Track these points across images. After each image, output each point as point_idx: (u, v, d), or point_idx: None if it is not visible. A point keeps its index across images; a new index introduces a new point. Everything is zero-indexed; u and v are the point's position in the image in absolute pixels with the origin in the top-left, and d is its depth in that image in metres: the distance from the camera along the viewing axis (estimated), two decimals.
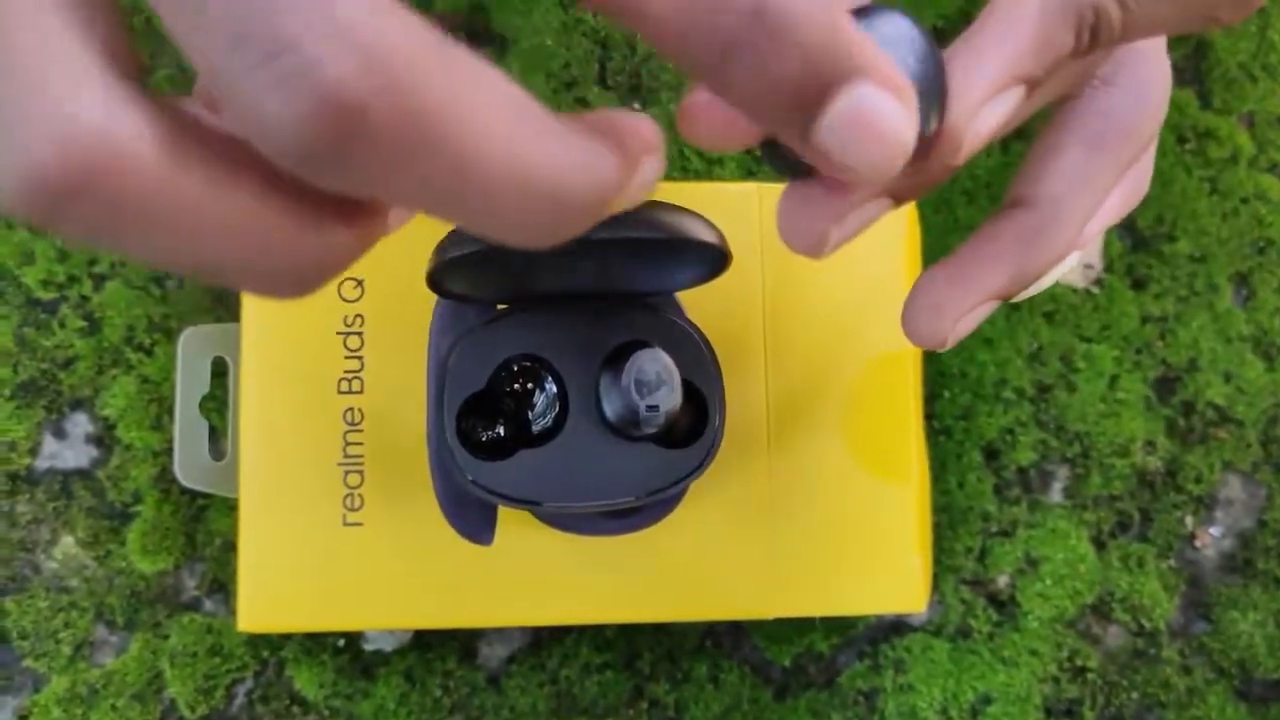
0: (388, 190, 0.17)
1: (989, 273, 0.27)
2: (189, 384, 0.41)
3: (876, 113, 0.19)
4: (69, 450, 0.43)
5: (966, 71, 0.22)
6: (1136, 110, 0.28)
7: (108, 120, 0.16)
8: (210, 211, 0.17)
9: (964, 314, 0.27)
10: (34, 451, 0.43)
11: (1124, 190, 0.31)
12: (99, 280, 0.44)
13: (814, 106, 0.18)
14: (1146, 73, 0.28)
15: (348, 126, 0.15)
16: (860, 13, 0.21)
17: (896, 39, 0.20)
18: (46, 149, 0.16)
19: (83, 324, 0.44)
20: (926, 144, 0.22)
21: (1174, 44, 0.49)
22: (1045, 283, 0.30)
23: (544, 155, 0.17)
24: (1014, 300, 0.29)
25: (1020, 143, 0.47)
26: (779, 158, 0.23)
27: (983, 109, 0.22)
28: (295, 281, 0.18)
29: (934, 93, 0.21)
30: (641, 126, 0.19)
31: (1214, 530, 0.47)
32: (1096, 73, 0.28)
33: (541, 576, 0.39)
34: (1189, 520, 0.47)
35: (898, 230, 0.41)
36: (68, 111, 0.16)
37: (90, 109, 0.16)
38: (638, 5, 0.17)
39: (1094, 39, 0.23)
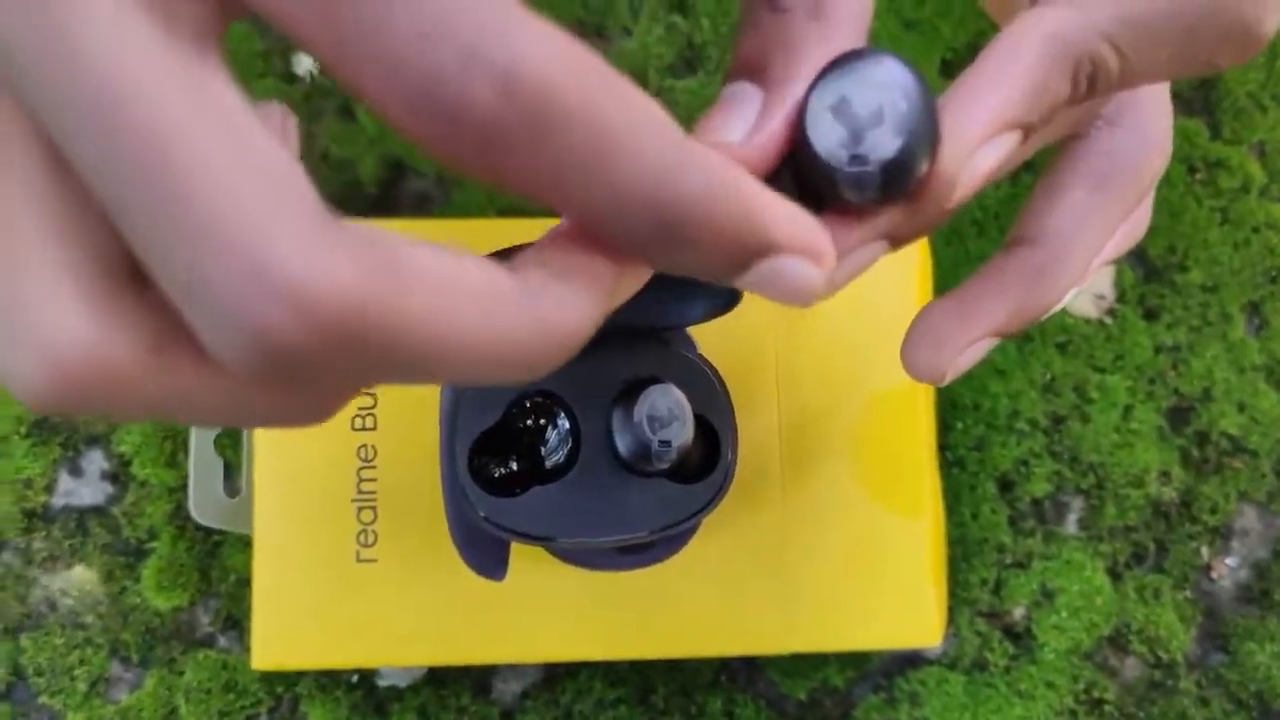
0: (359, 386, 0.18)
1: (990, 309, 0.27)
2: None
3: (791, 275, 0.20)
4: (85, 487, 0.44)
5: (961, 115, 0.22)
6: (1140, 150, 0.28)
7: (90, 337, 0.17)
8: (199, 393, 0.18)
9: (963, 349, 0.27)
10: (50, 488, 0.43)
11: (1124, 227, 0.31)
12: None
13: (734, 274, 0.20)
14: (1150, 114, 0.28)
15: (290, 362, 0.16)
16: (851, 56, 0.21)
17: (887, 83, 0.20)
18: (38, 371, 0.16)
19: None
20: (919, 187, 0.22)
21: None
22: (1043, 315, 0.30)
23: (507, 332, 0.18)
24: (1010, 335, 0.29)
25: (1031, 175, 0.48)
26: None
27: (976, 153, 0.22)
28: (300, 422, 0.19)
29: (926, 136, 0.21)
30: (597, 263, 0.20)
31: (1230, 561, 0.47)
32: (1101, 113, 0.28)
33: (555, 612, 0.39)
34: (1205, 551, 0.47)
35: (910, 263, 0.41)
36: (47, 335, 0.16)
37: (71, 327, 0.16)
38: (558, 200, 0.18)
39: (1091, 87, 0.23)
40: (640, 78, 0.47)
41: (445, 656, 0.39)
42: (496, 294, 0.18)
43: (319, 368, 0.16)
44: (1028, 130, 0.23)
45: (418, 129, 0.16)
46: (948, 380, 0.28)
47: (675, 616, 0.39)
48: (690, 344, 0.38)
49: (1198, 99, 0.49)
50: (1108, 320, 0.47)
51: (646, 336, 0.36)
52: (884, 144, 0.20)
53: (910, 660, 0.45)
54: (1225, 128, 0.49)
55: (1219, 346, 0.48)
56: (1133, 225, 0.31)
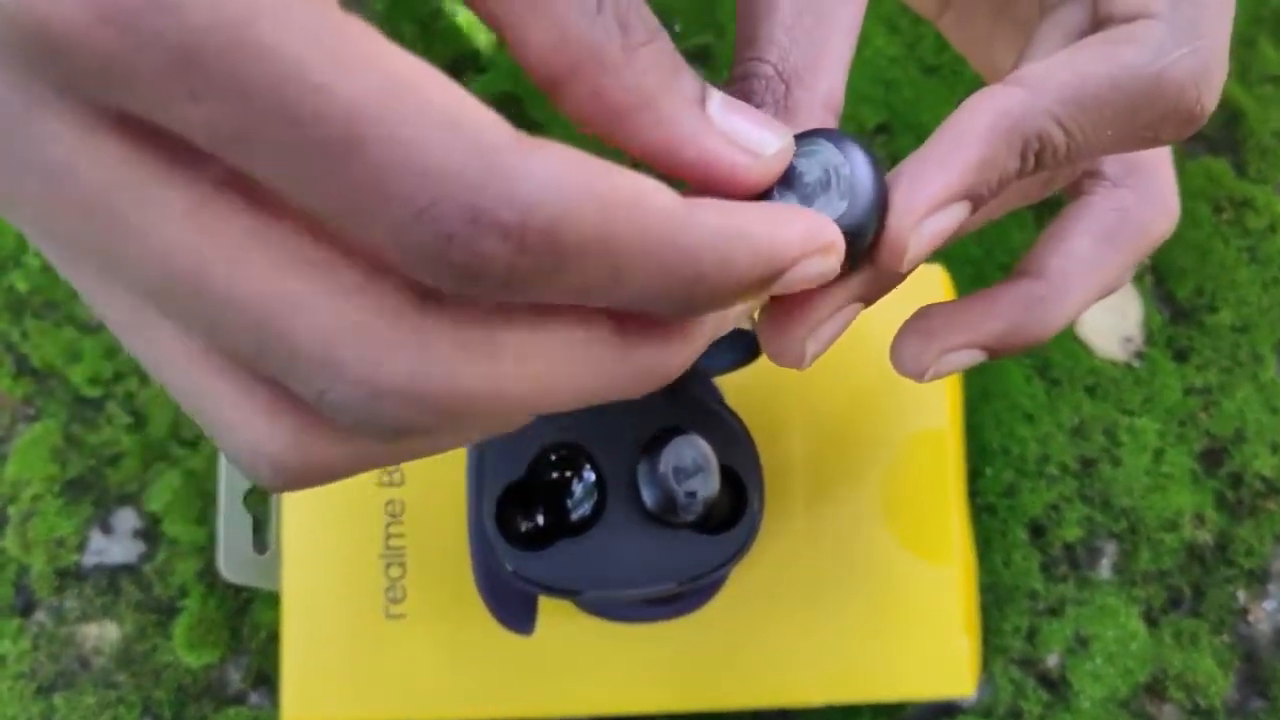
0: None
1: (983, 320, 0.28)
2: (232, 478, 0.41)
3: (807, 275, 0.21)
4: (116, 545, 0.44)
5: (910, 186, 0.23)
6: (1147, 209, 0.30)
7: (291, 442, 0.19)
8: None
9: (948, 351, 0.28)
10: (81, 547, 0.44)
11: None
12: (144, 377, 0.45)
13: (765, 293, 0.21)
14: (1160, 179, 0.30)
15: (513, 276, 0.17)
16: (803, 135, 0.23)
17: (832, 157, 0.23)
18: (270, 479, 0.20)
19: (129, 420, 0.44)
20: (871, 251, 0.24)
21: None
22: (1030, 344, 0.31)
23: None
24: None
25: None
26: None
27: (924, 223, 0.23)
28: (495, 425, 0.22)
29: (872, 203, 0.23)
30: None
31: (1268, 605, 0.46)
32: (1106, 173, 0.29)
33: (584, 665, 0.39)
34: (1241, 595, 0.46)
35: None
36: (257, 453, 0.19)
37: (267, 446, 0.19)
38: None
39: (1039, 162, 0.24)
40: None
41: (475, 711, 0.39)
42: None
43: (531, 281, 0.17)
44: (976, 201, 0.24)
45: (437, 282, 0.17)
46: (927, 378, 0.29)
47: (705, 669, 0.39)
48: (716, 394, 0.38)
49: (1222, 138, 0.49)
50: (1136, 363, 0.47)
51: (671, 387, 0.36)
52: (830, 210, 0.22)
53: (945, 710, 0.44)
54: (1251, 166, 0.49)
55: (1250, 387, 0.47)
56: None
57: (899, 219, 0.23)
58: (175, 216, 0.17)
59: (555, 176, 0.17)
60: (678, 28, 0.49)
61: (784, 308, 0.25)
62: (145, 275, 0.17)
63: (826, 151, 0.23)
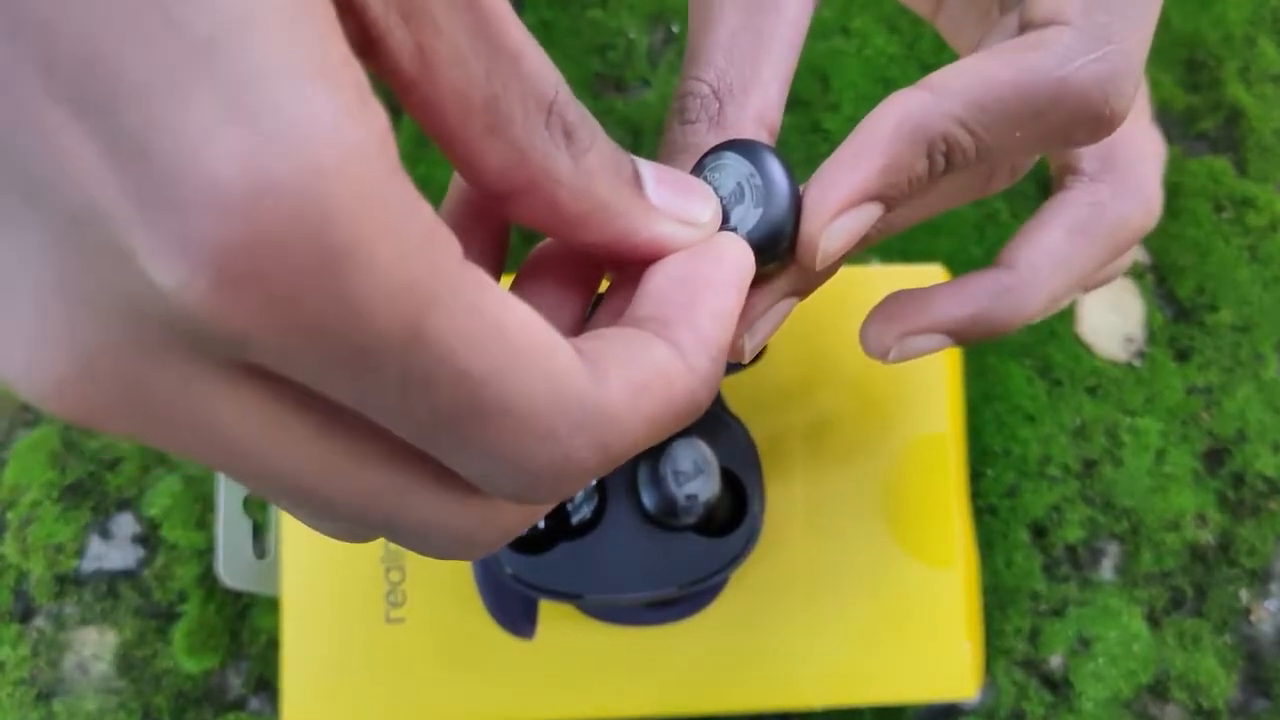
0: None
1: (951, 306, 0.29)
2: (231, 483, 0.41)
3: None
4: (115, 551, 0.44)
5: (820, 190, 0.24)
6: (1122, 203, 0.30)
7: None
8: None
9: (914, 334, 0.29)
10: (81, 553, 0.44)
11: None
12: None
13: None
14: (1139, 174, 0.30)
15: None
16: (719, 147, 0.25)
17: (742, 168, 0.24)
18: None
19: None
20: (790, 250, 0.25)
21: (1207, 114, 0.49)
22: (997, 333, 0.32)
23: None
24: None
25: None
26: None
27: (835, 222, 0.24)
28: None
29: (783, 208, 0.24)
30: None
31: (1270, 605, 0.46)
32: (1083, 169, 0.30)
33: (585, 669, 0.38)
34: (1244, 595, 0.46)
35: None
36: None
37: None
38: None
39: (950, 163, 0.25)
40: (659, 129, 0.47)
41: (476, 716, 0.39)
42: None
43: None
44: (888, 201, 0.25)
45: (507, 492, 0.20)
46: (890, 360, 0.29)
47: (706, 672, 0.39)
48: (717, 398, 0.38)
49: (1223, 137, 0.49)
50: (1137, 363, 0.47)
51: None
52: (747, 217, 0.24)
53: (947, 712, 0.44)
54: (1251, 165, 0.49)
55: (1251, 387, 0.47)
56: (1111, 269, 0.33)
57: (809, 222, 0.24)
58: (304, 440, 0.18)
59: (629, 411, 0.19)
60: (674, 28, 0.49)
61: None
62: (281, 490, 0.19)
63: (736, 164, 0.24)
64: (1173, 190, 0.48)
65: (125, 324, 0.16)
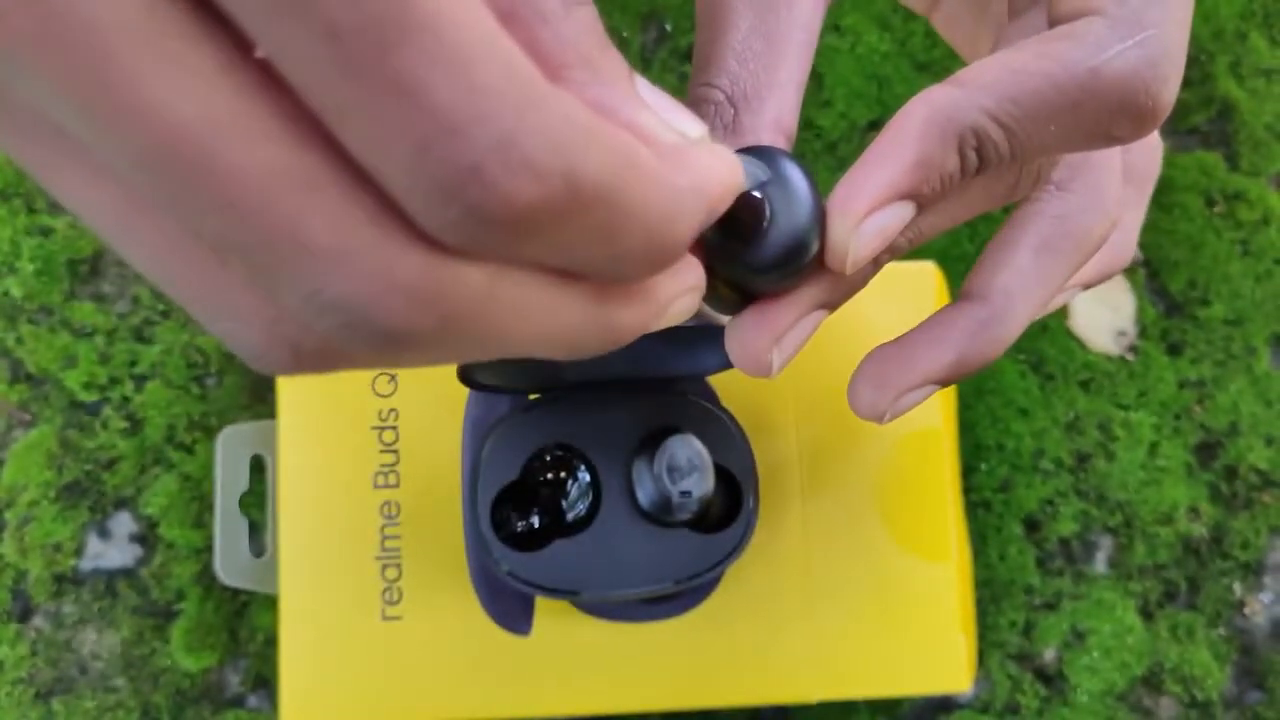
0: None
1: (932, 356, 0.28)
2: (228, 482, 0.41)
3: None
4: (113, 550, 0.44)
5: (848, 189, 0.23)
6: (1087, 215, 0.29)
7: (424, 264, 0.17)
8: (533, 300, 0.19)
9: (904, 393, 0.28)
10: (78, 552, 0.44)
11: (1101, 258, 0.32)
12: (140, 381, 0.45)
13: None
14: (1099, 180, 0.29)
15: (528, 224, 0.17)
16: (738, 153, 0.23)
17: (760, 178, 0.23)
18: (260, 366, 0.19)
19: (124, 424, 0.44)
20: (818, 258, 0.24)
21: (1198, 108, 0.49)
22: (984, 366, 0.31)
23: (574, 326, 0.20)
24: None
25: None
26: (714, 298, 0.26)
27: (864, 224, 0.23)
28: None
29: (807, 216, 0.23)
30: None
31: (1263, 597, 0.46)
32: (1051, 177, 0.29)
33: (581, 665, 0.39)
34: (1237, 587, 0.46)
35: (927, 308, 0.41)
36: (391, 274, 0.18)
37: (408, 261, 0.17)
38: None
39: (982, 160, 0.24)
40: None
41: (472, 712, 0.39)
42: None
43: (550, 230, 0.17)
44: (920, 201, 0.24)
45: (439, 227, 0.17)
46: (886, 420, 0.29)
47: (702, 667, 0.39)
48: (710, 394, 0.38)
49: (1215, 131, 0.49)
50: (1130, 357, 0.47)
51: (665, 388, 0.36)
52: (768, 229, 0.23)
53: (942, 705, 0.45)
54: (1243, 159, 0.49)
55: (1244, 380, 0.47)
56: (1112, 255, 0.33)
57: (837, 223, 0.24)
58: (202, 73, 0.15)
59: (582, 119, 0.16)
60: (668, 26, 0.49)
61: (748, 319, 0.26)
62: (146, 140, 0.15)
63: (755, 171, 0.23)
64: (1164, 185, 0.48)
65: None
